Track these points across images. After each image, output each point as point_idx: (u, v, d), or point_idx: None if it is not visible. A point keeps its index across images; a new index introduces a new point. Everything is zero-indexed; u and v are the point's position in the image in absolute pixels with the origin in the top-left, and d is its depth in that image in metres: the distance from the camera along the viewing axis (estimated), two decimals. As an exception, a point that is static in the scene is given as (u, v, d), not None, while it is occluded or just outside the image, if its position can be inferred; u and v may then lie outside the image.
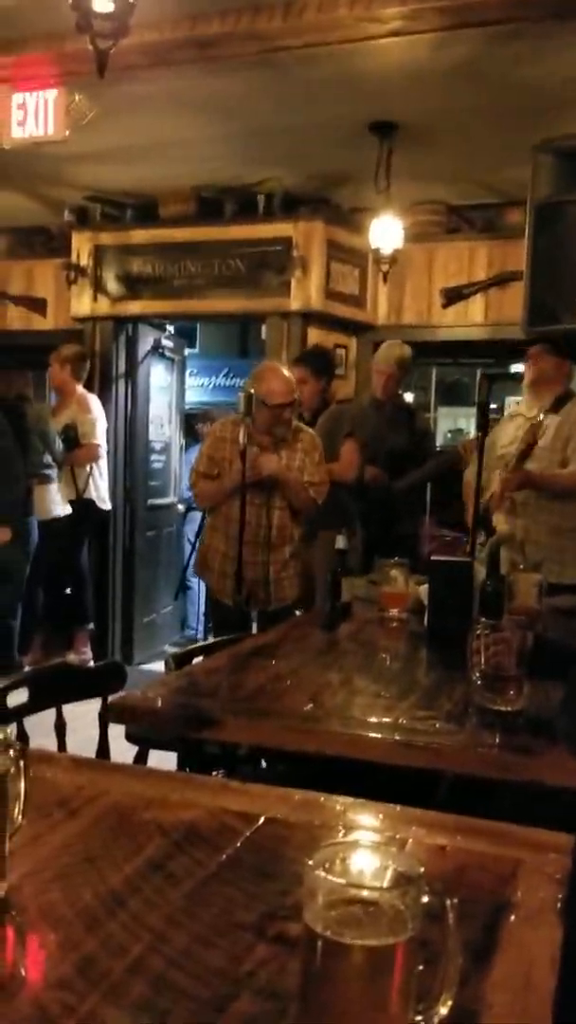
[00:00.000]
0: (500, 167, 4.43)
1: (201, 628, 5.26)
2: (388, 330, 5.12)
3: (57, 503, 4.81)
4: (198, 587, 5.15)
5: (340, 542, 2.52)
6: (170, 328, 5.93)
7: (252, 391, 3.12)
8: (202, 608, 4.89)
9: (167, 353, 5.95)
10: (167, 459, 6.06)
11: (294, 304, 4.98)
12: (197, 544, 3.52)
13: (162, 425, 5.98)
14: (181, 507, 6.09)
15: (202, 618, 5.08)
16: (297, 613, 3.06)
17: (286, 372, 3.30)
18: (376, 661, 2.10)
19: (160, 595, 5.88)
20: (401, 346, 4.24)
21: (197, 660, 2.13)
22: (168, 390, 6.07)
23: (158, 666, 4.69)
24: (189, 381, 7.37)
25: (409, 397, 5.37)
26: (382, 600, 2.55)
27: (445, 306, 5.11)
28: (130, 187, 5.14)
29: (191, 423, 6.24)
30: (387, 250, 4.75)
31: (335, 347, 5.13)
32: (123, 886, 0.92)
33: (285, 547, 3.35)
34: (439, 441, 6.79)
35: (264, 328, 5.20)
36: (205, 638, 4.50)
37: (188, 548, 5.34)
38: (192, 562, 3.54)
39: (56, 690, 1.78)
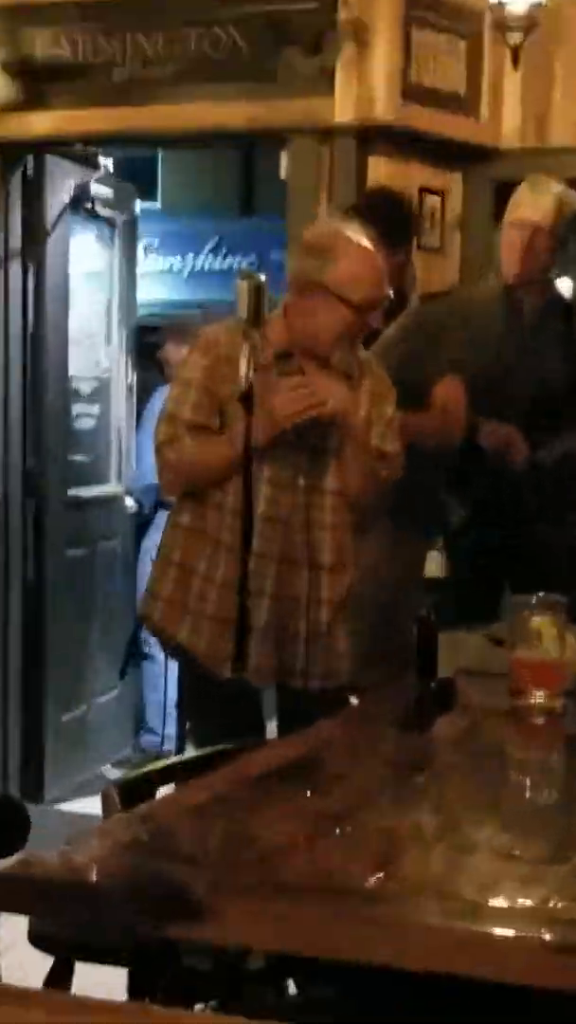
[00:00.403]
0: None
1: (171, 730, 5.24)
2: (521, 159, 5.11)
3: None
4: (165, 655, 5.12)
5: (433, 564, 2.74)
6: (106, 164, 5.85)
7: (263, 279, 3.15)
8: (172, 694, 4.88)
9: (102, 211, 5.92)
10: (104, 412, 6.02)
11: (342, 112, 4.96)
12: (156, 566, 3.55)
13: (94, 348, 5.96)
14: (132, 503, 6.08)
15: (172, 712, 5.10)
16: (353, 701, 3.07)
17: (370, 244, 3.39)
18: (505, 789, 2.21)
19: (94, 670, 5.89)
20: (558, 188, 4.24)
21: (164, 791, 2.23)
22: (105, 281, 6.04)
23: (92, 803, 4.28)
24: (145, 264, 7.36)
25: (566, 288, 5.29)
26: (516, 674, 2.63)
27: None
28: None
29: (150, 346, 6.21)
30: (520, 5, 4.71)
31: (421, 193, 5.09)
32: None
33: (346, 571, 3.43)
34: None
35: (283, 160, 5.20)
36: (179, 749, 4.51)
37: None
38: (142, 602, 3.59)
39: None
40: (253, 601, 3.20)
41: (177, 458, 3.41)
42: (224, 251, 8.62)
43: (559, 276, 4.56)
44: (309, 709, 3.10)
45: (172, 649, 3.59)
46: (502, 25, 4.88)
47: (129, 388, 6.27)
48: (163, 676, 5.49)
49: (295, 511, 3.35)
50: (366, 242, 3.37)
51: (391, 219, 4.33)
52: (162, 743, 5.69)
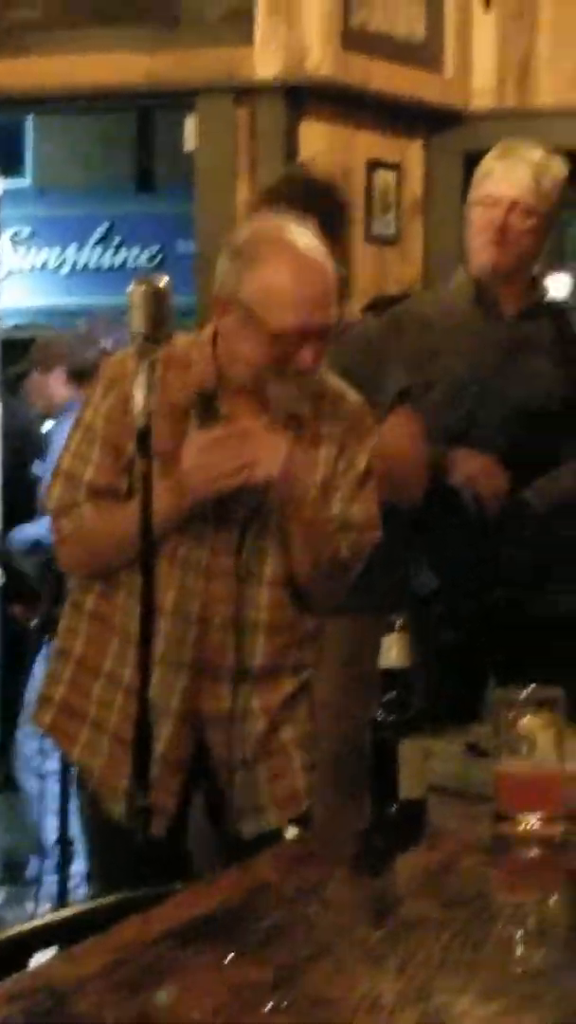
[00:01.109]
0: None
1: (52, 867, 5.31)
2: (496, 121, 5.23)
3: None
4: (59, 763, 5.06)
5: (392, 651, 2.64)
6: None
7: (164, 282, 3.09)
8: (54, 825, 4.94)
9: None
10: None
11: (264, 65, 5.06)
12: (52, 660, 3.58)
13: None
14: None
15: (54, 849, 5.13)
16: (290, 832, 3.05)
17: (314, 252, 3.29)
18: (488, 945, 2.11)
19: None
20: (537, 154, 4.30)
21: (43, 956, 2.16)
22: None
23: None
24: (11, 260, 7.49)
25: (562, 285, 5.36)
26: (502, 793, 2.62)
27: None
28: None
29: (16, 373, 6.33)
30: None
31: (370, 166, 5.14)
32: None
33: (283, 682, 3.42)
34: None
35: (189, 126, 5.28)
36: (61, 899, 4.57)
37: (27, 676, 5.51)
38: (34, 705, 3.59)
39: None
40: (156, 719, 3.15)
41: (75, 529, 3.37)
42: (116, 241, 8.68)
43: (542, 271, 4.57)
44: (239, 847, 3.11)
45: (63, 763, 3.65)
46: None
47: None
48: (43, 801, 5.55)
49: (217, 606, 3.29)
50: (308, 248, 3.28)
51: (315, 199, 4.26)
52: (38, 891, 5.64)
